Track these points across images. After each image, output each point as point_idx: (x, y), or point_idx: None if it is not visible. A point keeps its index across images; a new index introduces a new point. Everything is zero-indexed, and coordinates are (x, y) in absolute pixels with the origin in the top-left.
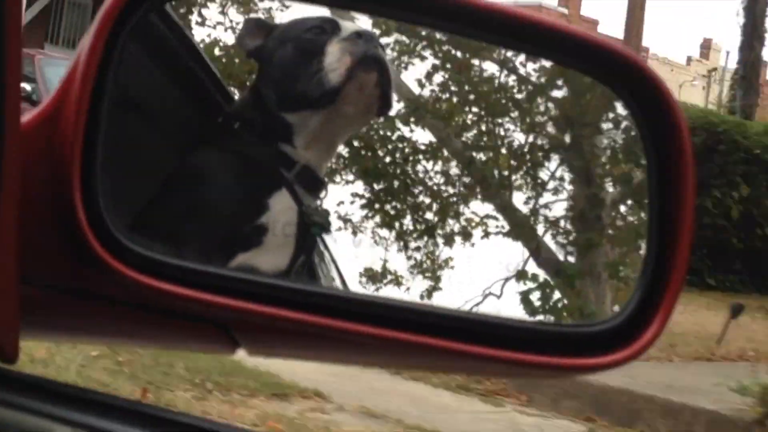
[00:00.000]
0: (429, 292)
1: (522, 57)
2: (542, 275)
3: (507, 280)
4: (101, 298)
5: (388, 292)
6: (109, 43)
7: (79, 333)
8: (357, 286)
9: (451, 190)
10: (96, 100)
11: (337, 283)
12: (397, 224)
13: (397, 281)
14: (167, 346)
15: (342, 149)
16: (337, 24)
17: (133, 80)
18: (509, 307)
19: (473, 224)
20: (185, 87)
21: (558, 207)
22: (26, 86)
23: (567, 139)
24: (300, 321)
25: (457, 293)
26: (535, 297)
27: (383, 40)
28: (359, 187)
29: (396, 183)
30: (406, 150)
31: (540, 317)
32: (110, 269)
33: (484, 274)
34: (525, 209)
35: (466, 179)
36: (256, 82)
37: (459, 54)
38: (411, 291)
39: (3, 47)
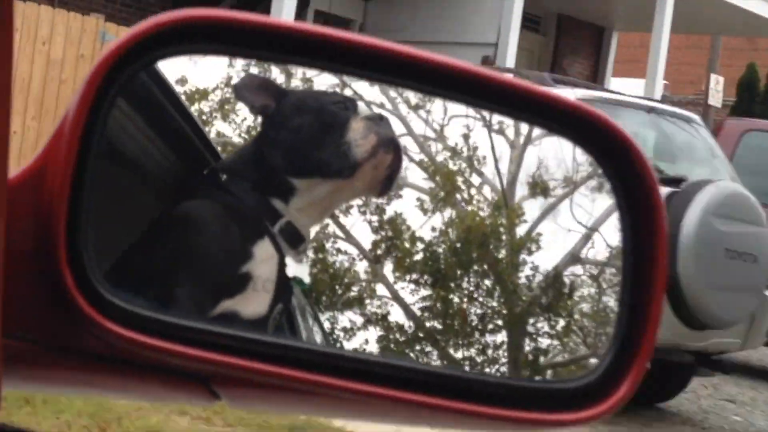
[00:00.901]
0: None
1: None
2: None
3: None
4: (84, 352)
5: (368, 346)
6: (98, 99)
7: (61, 385)
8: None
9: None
10: (83, 156)
11: (316, 332)
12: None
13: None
14: (149, 399)
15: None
16: (355, 102)
17: (120, 136)
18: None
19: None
20: (172, 143)
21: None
22: None
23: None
24: (278, 375)
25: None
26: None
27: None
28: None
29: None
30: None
31: (515, 374)
32: (93, 323)
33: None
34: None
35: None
36: (257, 142)
37: None
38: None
39: None
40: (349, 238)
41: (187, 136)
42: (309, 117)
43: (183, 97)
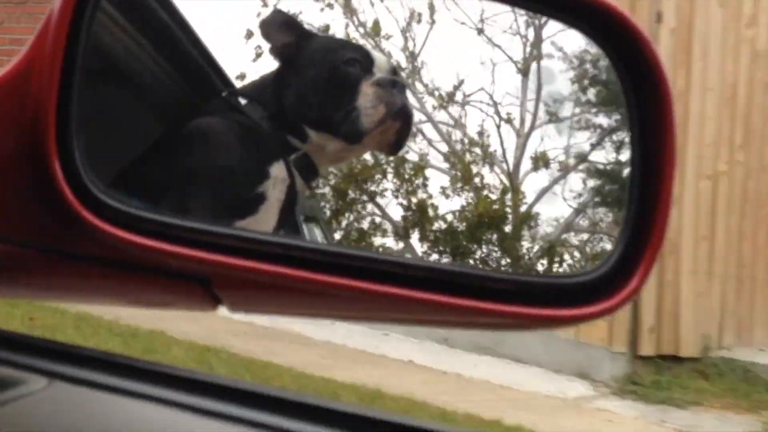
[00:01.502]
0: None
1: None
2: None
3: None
4: (78, 256)
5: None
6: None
7: (56, 291)
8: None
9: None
10: (70, 55)
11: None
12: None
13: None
14: (147, 305)
15: None
16: (372, 59)
17: (111, 41)
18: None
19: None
20: (170, 55)
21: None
22: None
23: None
24: (280, 275)
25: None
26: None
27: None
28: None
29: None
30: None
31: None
32: (87, 224)
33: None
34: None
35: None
36: (278, 78)
37: None
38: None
39: None
40: (384, 214)
41: (186, 49)
42: (324, 71)
43: (184, 14)
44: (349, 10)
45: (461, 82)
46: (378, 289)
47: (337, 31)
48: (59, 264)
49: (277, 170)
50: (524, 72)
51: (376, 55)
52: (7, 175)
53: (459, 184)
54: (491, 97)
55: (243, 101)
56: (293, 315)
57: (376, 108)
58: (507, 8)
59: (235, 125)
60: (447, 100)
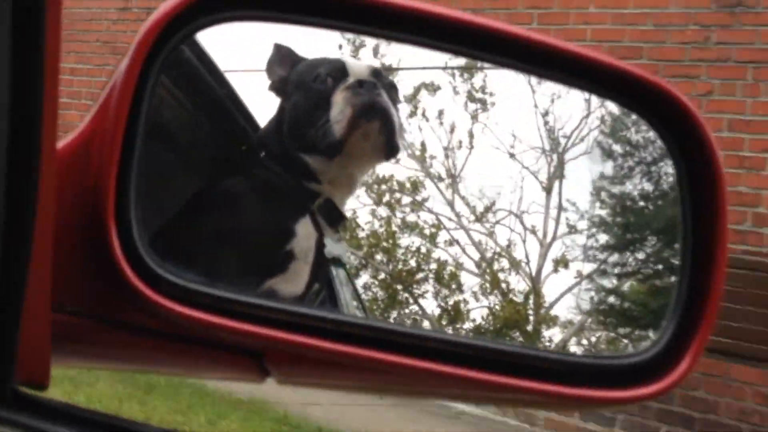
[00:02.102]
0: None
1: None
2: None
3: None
4: (132, 326)
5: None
6: (143, 72)
7: (109, 360)
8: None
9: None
10: (130, 128)
11: (355, 305)
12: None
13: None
14: (197, 374)
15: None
16: (345, 69)
17: (163, 108)
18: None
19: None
20: (214, 116)
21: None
22: None
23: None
24: (332, 351)
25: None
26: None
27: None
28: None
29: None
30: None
31: (569, 349)
32: (143, 297)
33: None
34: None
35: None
36: (275, 117)
37: None
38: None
39: (41, 71)
40: (424, 314)
41: (226, 108)
42: (301, 93)
43: (222, 69)
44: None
45: (493, 203)
46: (427, 367)
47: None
48: (114, 334)
49: (303, 227)
50: (548, 190)
51: (351, 64)
52: (66, 244)
53: (488, 288)
54: (518, 211)
55: (263, 153)
56: (340, 388)
57: (342, 112)
58: (535, 130)
59: (258, 183)
60: (481, 216)
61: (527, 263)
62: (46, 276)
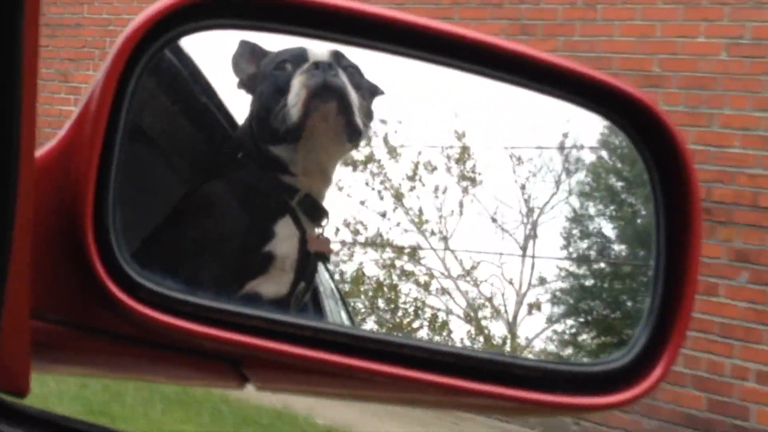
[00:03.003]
0: (437, 329)
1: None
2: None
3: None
4: (112, 333)
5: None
6: (123, 77)
7: (89, 367)
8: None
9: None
10: (109, 135)
11: (340, 310)
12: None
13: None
14: (177, 381)
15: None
16: (305, 55)
17: (145, 114)
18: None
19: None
20: (197, 122)
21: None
22: None
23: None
24: (311, 359)
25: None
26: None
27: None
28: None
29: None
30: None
31: (544, 356)
32: (121, 305)
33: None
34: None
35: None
36: (248, 114)
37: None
38: (418, 327)
39: (19, 77)
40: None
41: (210, 114)
42: (265, 84)
43: (205, 74)
44: (399, 201)
45: (479, 262)
46: (405, 374)
47: (388, 212)
48: (94, 341)
49: (283, 227)
50: (523, 249)
51: (311, 49)
52: (45, 252)
53: (473, 334)
54: (499, 264)
55: (240, 153)
56: (320, 395)
57: (298, 94)
58: (514, 201)
59: (236, 185)
60: (468, 271)
61: (505, 310)
62: (25, 284)
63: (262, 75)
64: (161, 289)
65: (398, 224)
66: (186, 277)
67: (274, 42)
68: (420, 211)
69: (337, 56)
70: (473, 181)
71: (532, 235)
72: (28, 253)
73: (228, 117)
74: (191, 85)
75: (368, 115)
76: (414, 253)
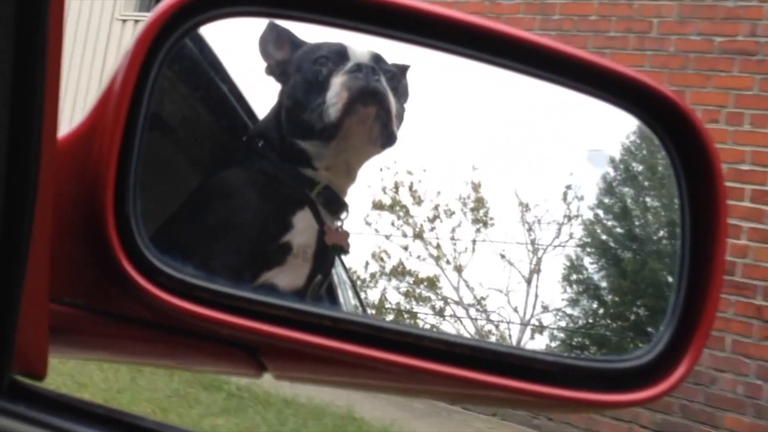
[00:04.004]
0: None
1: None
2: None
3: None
4: (130, 318)
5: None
6: (145, 65)
7: (107, 351)
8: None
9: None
10: (130, 121)
11: (355, 304)
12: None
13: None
14: (193, 368)
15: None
16: (345, 53)
17: (165, 101)
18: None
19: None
20: (215, 109)
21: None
22: None
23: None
24: (329, 348)
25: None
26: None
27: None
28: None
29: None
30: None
31: (568, 350)
32: (141, 290)
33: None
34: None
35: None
36: (275, 104)
37: None
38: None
39: (42, 64)
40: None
41: (229, 103)
42: (300, 77)
43: (225, 63)
44: (420, 237)
45: (487, 296)
46: (425, 366)
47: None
48: (112, 326)
49: (301, 218)
50: (528, 281)
51: (353, 48)
52: (65, 236)
53: None
54: (506, 291)
55: (261, 142)
56: (337, 385)
57: (339, 95)
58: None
59: (255, 173)
60: (479, 300)
61: (510, 335)
62: (44, 267)
63: (297, 66)
64: (181, 275)
65: (418, 257)
66: (202, 262)
67: (300, 29)
68: (438, 246)
69: (377, 59)
70: (485, 224)
71: (536, 270)
72: (48, 237)
73: (247, 106)
74: (211, 73)
75: (401, 120)
76: (431, 281)
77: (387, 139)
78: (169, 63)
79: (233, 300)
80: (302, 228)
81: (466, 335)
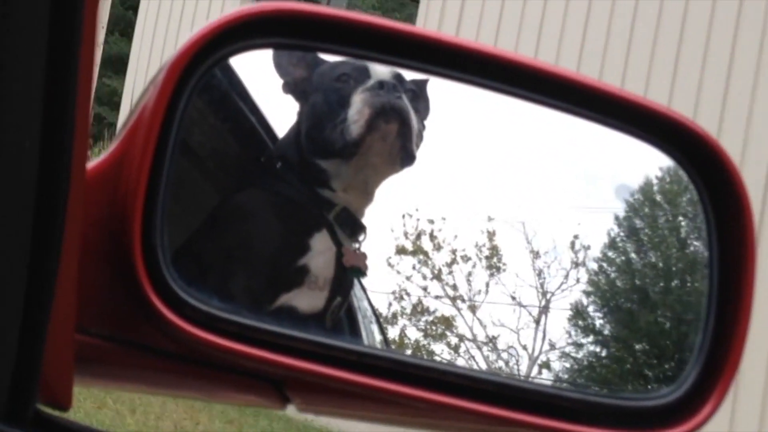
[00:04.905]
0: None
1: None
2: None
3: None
4: (155, 349)
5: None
6: (174, 94)
7: (131, 382)
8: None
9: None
10: (159, 150)
11: (375, 327)
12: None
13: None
14: (217, 399)
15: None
16: (367, 71)
17: (194, 132)
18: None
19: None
20: (243, 140)
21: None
22: None
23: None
24: (353, 382)
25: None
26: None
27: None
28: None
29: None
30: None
31: (591, 387)
32: (167, 322)
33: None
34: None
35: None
36: (294, 124)
37: None
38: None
39: (74, 89)
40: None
41: (257, 133)
42: (320, 95)
43: (254, 94)
44: (438, 279)
45: (499, 335)
46: (450, 402)
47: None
48: (136, 357)
49: (319, 241)
50: (537, 321)
51: (374, 67)
52: (92, 266)
53: None
54: (516, 329)
55: (279, 163)
56: (361, 418)
57: (361, 112)
58: (532, 282)
59: (273, 196)
60: (491, 339)
61: (518, 371)
62: (72, 297)
63: (317, 84)
64: (207, 307)
65: (436, 297)
66: (219, 285)
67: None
68: (454, 287)
69: (400, 78)
70: (498, 269)
71: (545, 310)
72: (75, 267)
73: (275, 137)
74: (240, 104)
75: (421, 138)
76: (447, 321)
77: (406, 157)
78: (198, 93)
79: (259, 333)
80: (320, 250)
81: (492, 371)
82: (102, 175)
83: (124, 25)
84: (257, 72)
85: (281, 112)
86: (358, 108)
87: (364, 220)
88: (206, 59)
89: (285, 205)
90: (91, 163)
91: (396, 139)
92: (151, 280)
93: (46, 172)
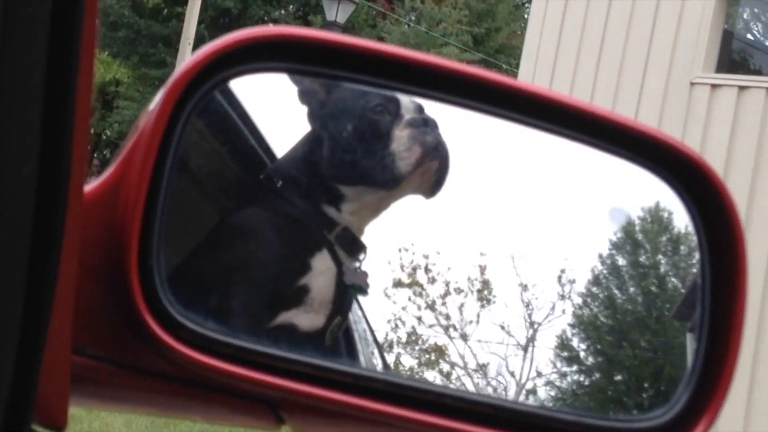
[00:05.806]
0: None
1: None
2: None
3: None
4: (151, 371)
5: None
6: (173, 117)
7: (127, 403)
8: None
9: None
10: (157, 172)
11: (372, 349)
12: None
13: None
14: (213, 421)
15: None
16: (399, 103)
17: (192, 154)
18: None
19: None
20: (242, 163)
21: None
22: None
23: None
24: (349, 405)
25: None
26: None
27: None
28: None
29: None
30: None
31: (583, 410)
32: (163, 345)
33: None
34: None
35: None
36: (305, 144)
37: None
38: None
39: (72, 111)
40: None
41: (256, 156)
42: (351, 122)
43: (253, 117)
44: (432, 309)
45: (488, 362)
46: (447, 425)
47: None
48: (132, 378)
49: (319, 260)
50: (524, 349)
51: (400, 96)
52: (88, 288)
53: None
54: (505, 357)
55: (280, 182)
56: None
57: (411, 150)
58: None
59: (274, 215)
60: (481, 367)
61: (506, 395)
62: (68, 318)
63: (341, 110)
64: (203, 330)
65: (430, 326)
66: (216, 305)
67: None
68: (447, 317)
69: (422, 110)
70: (489, 301)
71: (531, 339)
72: (72, 289)
73: (275, 159)
74: (240, 126)
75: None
76: (440, 349)
77: (435, 189)
78: (197, 116)
79: (255, 355)
80: (320, 270)
81: (487, 393)
82: (100, 196)
83: None
84: (257, 95)
85: (282, 134)
86: (406, 145)
87: (364, 238)
88: (205, 82)
89: (286, 223)
90: (90, 185)
91: (434, 174)
92: (147, 302)
93: (44, 193)
